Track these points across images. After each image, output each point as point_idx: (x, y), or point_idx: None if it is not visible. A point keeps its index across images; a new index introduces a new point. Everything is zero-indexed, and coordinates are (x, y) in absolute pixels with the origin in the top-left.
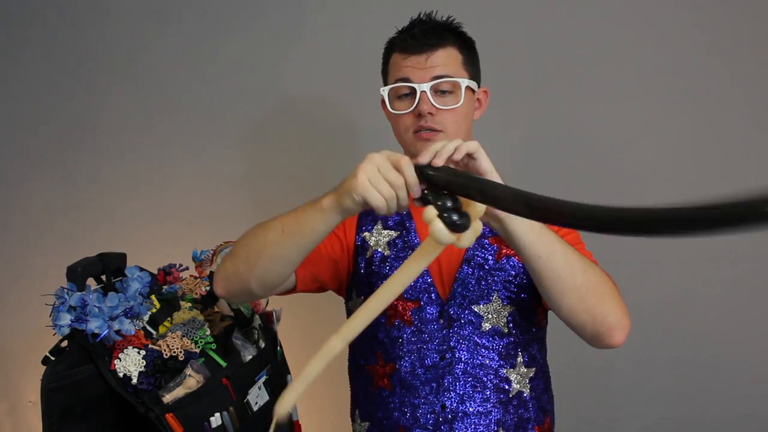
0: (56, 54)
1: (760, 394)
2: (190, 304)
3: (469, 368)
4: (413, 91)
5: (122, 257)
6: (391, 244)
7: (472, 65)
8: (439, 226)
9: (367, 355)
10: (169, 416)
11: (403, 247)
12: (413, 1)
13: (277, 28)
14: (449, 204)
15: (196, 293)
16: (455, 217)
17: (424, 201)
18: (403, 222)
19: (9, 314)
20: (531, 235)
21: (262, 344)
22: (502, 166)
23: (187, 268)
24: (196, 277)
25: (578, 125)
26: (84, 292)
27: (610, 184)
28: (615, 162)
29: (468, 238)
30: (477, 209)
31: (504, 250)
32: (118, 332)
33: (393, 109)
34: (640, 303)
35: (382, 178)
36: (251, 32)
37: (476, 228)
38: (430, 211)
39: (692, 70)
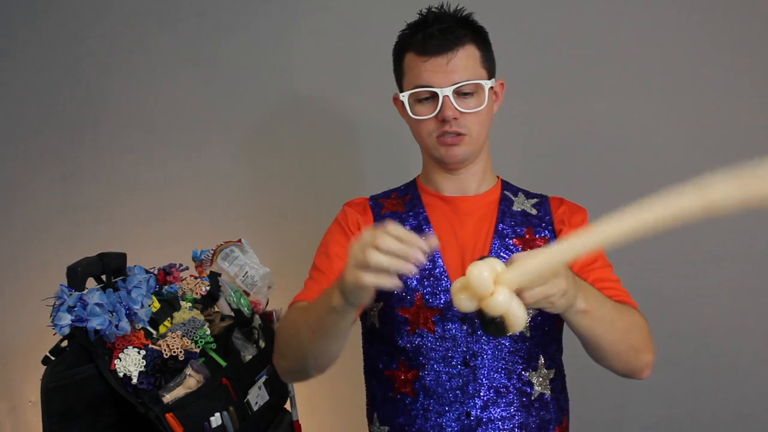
0: (56, 54)
1: (760, 394)
2: (190, 304)
3: (493, 373)
4: (434, 94)
5: (122, 257)
6: None
7: (489, 60)
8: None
9: (387, 361)
10: (169, 416)
11: None
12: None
13: (277, 28)
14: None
15: (196, 293)
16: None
17: None
18: (420, 226)
19: (9, 314)
20: (585, 322)
21: (262, 344)
22: (510, 163)
23: (187, 268)
24: (196, 277)
25: (584, 123)
26: (84, 292)
27: (613, 184)
28: (619, 160)
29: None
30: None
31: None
32: (117, 327)
33: (414, 114)
34: (641, 303)
35: (380, 261)
36: (251, 32)
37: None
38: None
39: (697, 69)
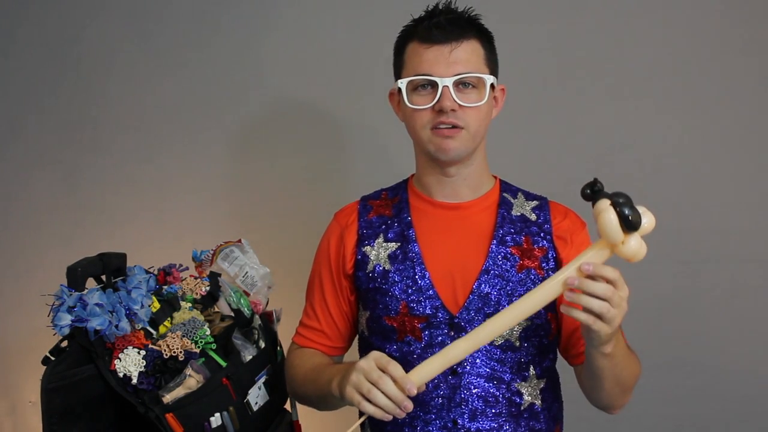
0: (56, 54)
1: (760, 394)
2: (190, 304)
3: (481, 383)
4: (434, 84)
5: (122, 257)
6: (391, 256)
7: (493, 61)
8: (610, 216)
9: None
10: (169, 416)
11: (403, 259)
12: (408, 3)
13: (276, 28)
14: (623, 200)
15: (196, 293)
16: (627, 211)
17: (595, 196)
18: (402, 232)
19: (9, 314)
20: (603, 362)
21: (262, 344)
22: (509, 165)
23: (187, 268)
24: (196, 277)
25: (582, 124)
26: (84, 292)
27: (612, 185)
28: (618, 162)
29: (632, 246)
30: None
31: (525, 262)
32: (117, 327)
33: (411, 103)
34: (641, 303)
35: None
36: (252, 32)
37: (641, 244)
38: (603, 202)
39: (698, 69)
